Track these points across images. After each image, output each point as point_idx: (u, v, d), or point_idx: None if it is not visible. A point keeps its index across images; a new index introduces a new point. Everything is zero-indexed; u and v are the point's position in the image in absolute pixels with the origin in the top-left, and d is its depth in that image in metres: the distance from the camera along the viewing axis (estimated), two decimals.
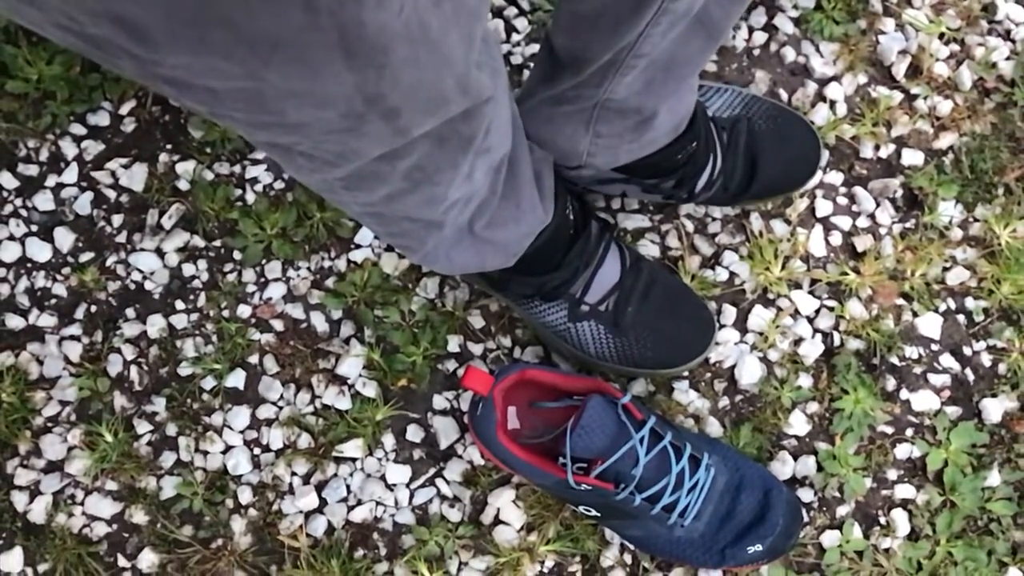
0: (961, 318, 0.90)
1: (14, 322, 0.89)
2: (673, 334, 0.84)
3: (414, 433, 0.88)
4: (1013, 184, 0.93)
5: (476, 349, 0.89)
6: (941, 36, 0.97)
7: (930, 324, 0.89)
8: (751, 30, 0.97)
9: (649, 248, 0.91)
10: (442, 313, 0.89)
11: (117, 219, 0.92)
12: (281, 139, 0.45)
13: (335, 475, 0.87)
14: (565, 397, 0.81)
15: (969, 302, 0.90)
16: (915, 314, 0.90)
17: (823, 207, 0.92)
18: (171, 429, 0.88)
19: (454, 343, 0.89)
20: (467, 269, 0.72)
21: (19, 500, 0.87)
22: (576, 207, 0.80)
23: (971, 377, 0.89)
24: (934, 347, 0.90)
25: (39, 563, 0.86)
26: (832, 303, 0.90)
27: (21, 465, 0.88)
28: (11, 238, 0.91)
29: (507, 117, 0.60)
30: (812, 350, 0.89)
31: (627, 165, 0.79)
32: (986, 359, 0.89)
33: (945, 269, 0.91)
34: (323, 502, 0.87)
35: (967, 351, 0.90)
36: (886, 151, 0.94)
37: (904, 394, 0.88)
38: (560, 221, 0.75)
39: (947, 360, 0.89)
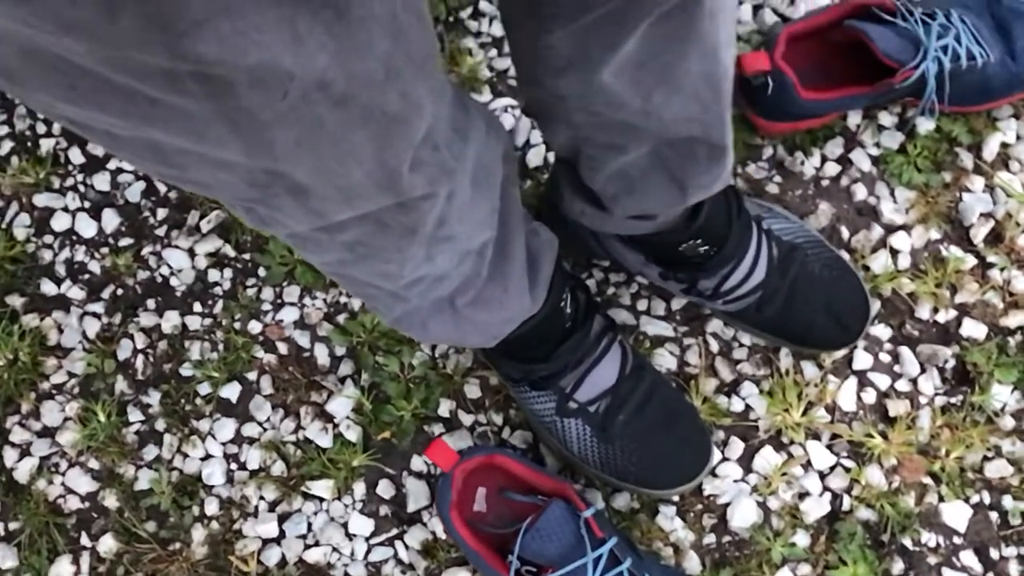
0: (994, 516, 0.82)
1: (47, 287, 0.93)
2: (662, 454, 0.79)
3: (385, 488, 0.86)
4: None
5: (466, 419, 0.87)
6: None
7: (957, 513, 0.81)
8: (824, 159, 0.93)
9: (666, 359, 0.87)
10: (441, 375, 0.88)
11: (161, 212, 0.95)
12: (197, 192, 0.45)
13: (299, 510, 0.86)
14: (535, 493, 0.78)
15: (1007, 501, 0.82)
16: (941, 498, 0.82)
17: (862, 360, 0.86)
18: (160, 424, 0.89)
19: (445, 408, 0.87)
20: (443, 342, 0.71)
21: (9, 456, 0.90)
22: (580, 300, 0.77)
23: None
24: (956, 540, 0.81)
25: (10, 521, 0.88)
26: (850, 464, 0.84)
27: (19, 424, 0.91)
28: (65, 210, 0.95)
29: (487, 208, 0.58)
30: (817, 508, 0.82)
31: (636, 239, 0.76)
32: (1014, 569, 0.80)
33: (986, 458, 0.83)
34: (282, 534, 0.86)
35: (994, 554, 0.81)
36: (945, 316, 0.87)
37: None
38: (551, 313, 0.73)
39: (968, 558, 0.81)
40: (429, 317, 0.66)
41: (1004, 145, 0.92)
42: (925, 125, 0.92)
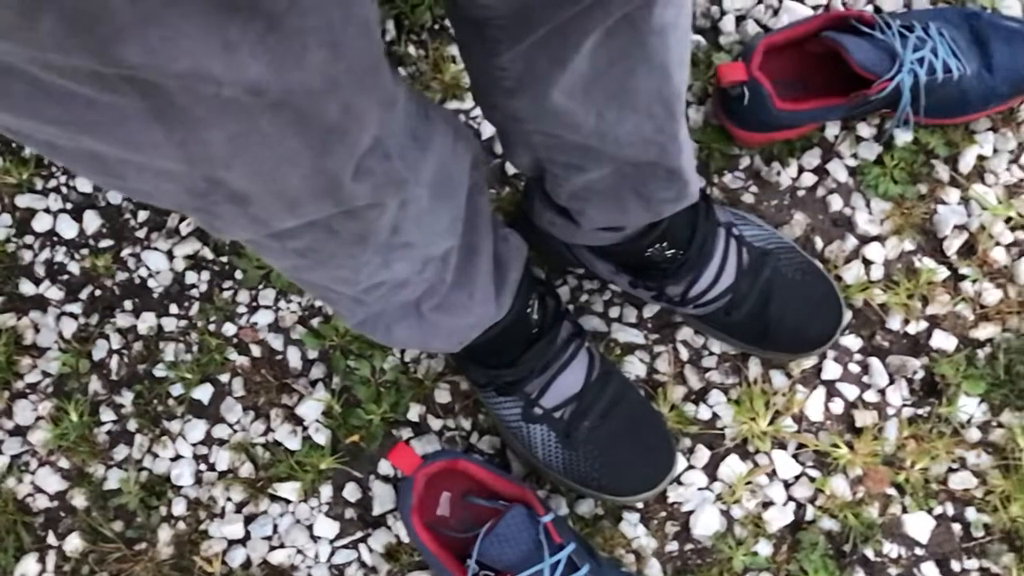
0: (957, 527, 0.81)
1: (26, 287, 0.94)
2: (626, 461, 0.79)
3: (352, 492, 0.86)
4: None
5: (435, 424, 0.87)
6: (1008, 220, 0.90)
7: (919, 525, 0.81)
8: (801, 170, 0.93)
9: (636, 366, 0.87)
10: (412, 379, 0.88)
11: (142, 215, 0.96)
12: (142, 200, 0.46)
13: (266, 512, 0.87)
14: (498, 498, 0.78)
15: (970, 512, 0.81)
16: (905, 509, 0.82)
17: (831, 370, 0.86)
18: (132, 424, 0.90)
19: (415, 412, 0.88)
20: (408, 346, 0.71)
21: None
22: (549, 307, 0.78)
23: None
24: (918, 551, 0.81)
25: None
26: (815, 473, 0.83)
27: None
28: (47, 211, 0.97)
29: (449, 216, 0.59)
30: (780, 517, 0.82)
31: (605, 248, 0.76)
32: None
33: (951, 470, 0.83)
34: (248, 535, 0.86)
35: (955, 566, 0.80)
36: (915, 327, 0.87)
37: None
38: (517, 319, 0.73)
39: (930, 569, 0.80)
40: (394, 321, 0.67)
41: (980, 158, 0.92)
42: (903, 137, 0.92)
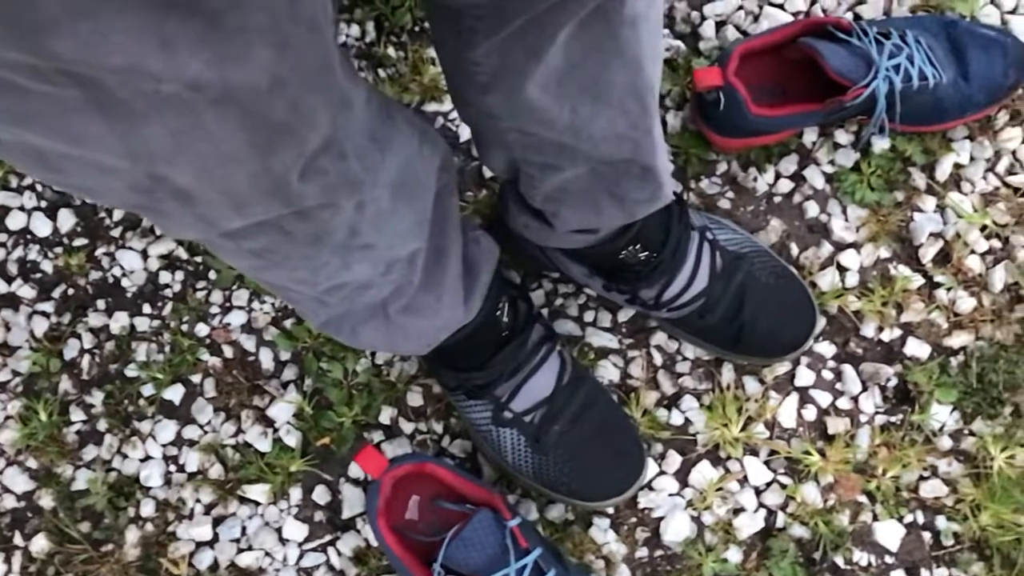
0: (927, 536, 0.81)
1: None
2: (595, 466, 0.79)
3: (321, 494, 0.86)
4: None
5: (407, 427, 0.87)
6: (983, 229, 0.89)
7: (890, 532, 0.81)
8: (778, 176, 0.92)
9: (609, 371, 0.87)
10: (384, 382, 0.88)
11: (117, 214, 0.95)
12: (86, 197, 0.45)
13: (234, 514, 0.86)
14: (465, 501, 0.77)
15: (940, 521, 0.81)
16: (875, 517, 0.81)
17: (804, 376, 0.86)
18: (102, 424, 0.89)
19: (387, 415, 0.87)
20: (374, 348, 0.71)
21: None
22: (520, 310, 0.77)
23: None
24: (888, 559, 0.80)
25: None
26: (786, 480, 0.83)
27: None
28: (22, 208, 0.96)
29: (412, 219, 0.59)
30: (750, 524, 0.81)
31: (579, 251, 0.76)
32: None
33: (922, 478, 0.82)
34: (216, 537, 0.86)
35: (925, 574, 0.80)
36: (890, 335, 0.87)
37: None
38: (486, 321, 0.73)
39: None
40: (360, 323, 0.66)
41: (957, 166, 0.92)
42: (880, 144, 0.92)
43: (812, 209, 0.91)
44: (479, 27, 0.51)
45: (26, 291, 0.94)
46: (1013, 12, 0.96)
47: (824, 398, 0.85)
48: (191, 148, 0.39)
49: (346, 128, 0.48)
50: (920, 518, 0.81)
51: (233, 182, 0.43)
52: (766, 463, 0.84)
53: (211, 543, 0.86)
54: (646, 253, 0.77)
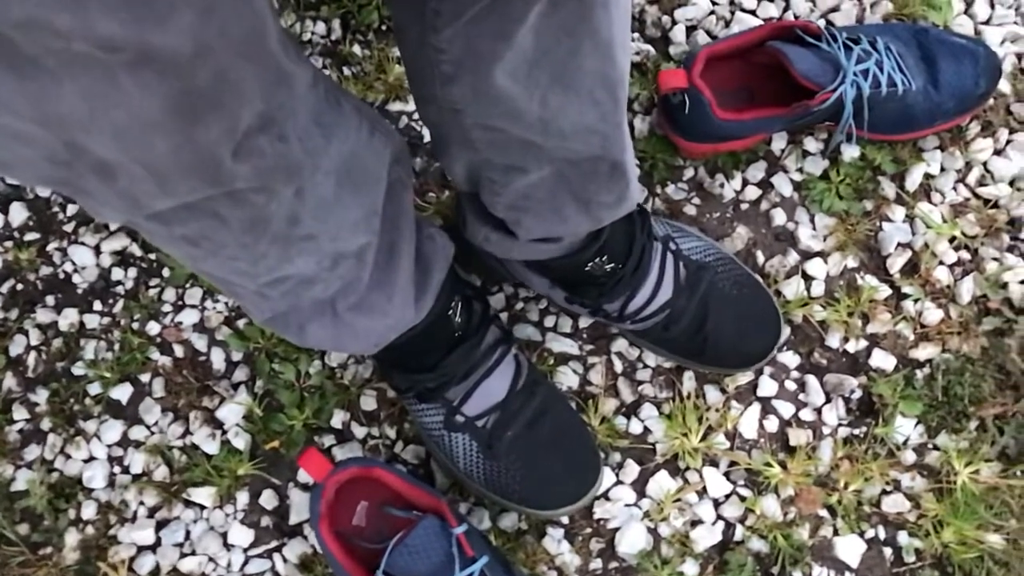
0: (888, 552, 0.79)
1: None
2: (547, 474, 0.76)
3: (269, 499, 0.83)
4: (989, 421, 0.81)
5: (359, 432, 0.85)
6: (952, 240, 0.88)
7: (850, 548, 0.78)
8: (745, 183, 0.91)
9: (568, 377, 0.85)
10: (337, 384, 0.86)
11: (71, 209, 0.93)
12: (3, 174, 0.44)
13: (178, 517, 0.83)
14: (412, 508, 0.75)
15: (902, 537, 0.79)
16: (836, 531, 0.79)
17: (767, 386, 0.84)
18: (45, 424, 0.87)
19: (338, 419, 0.85)
20: (321, 347, 0.69)
21: None
22: (474, 310, 0.75)
23: None
24: (848, 574, 0.78)
25: None
26: (746, 492, 0.81)
27: None
28: None
29: (360, 211, 0.57)
30: (708, 537, 0.79)
31: (541, 263, 0.74)
32: None
33: (884, 492, 0.80)
34: (159, 541, 0.83)
35: None
36: (855, 346, 0.85)
37: None
38: (437, 321, 0.71)
39: None
40: (307, 320, 0.64)
41: (927, 176, 0.90)
42: (850, 152, 0.91)
43: (779, 217, 0.90)
44: (442, 8, 0.49)
45: None
46: (987, 23, 0.95)
47: (787, 409, 0.83)
48: (108, 114, 0.38)
49: (286, 108, 0.46)
50: (882, 533, 0.79)
51: (154, 154, 0.41)
52: (726, 474, 0.81)
53: (153, 547, 0.83)
54: (612, 264, 0.75)
